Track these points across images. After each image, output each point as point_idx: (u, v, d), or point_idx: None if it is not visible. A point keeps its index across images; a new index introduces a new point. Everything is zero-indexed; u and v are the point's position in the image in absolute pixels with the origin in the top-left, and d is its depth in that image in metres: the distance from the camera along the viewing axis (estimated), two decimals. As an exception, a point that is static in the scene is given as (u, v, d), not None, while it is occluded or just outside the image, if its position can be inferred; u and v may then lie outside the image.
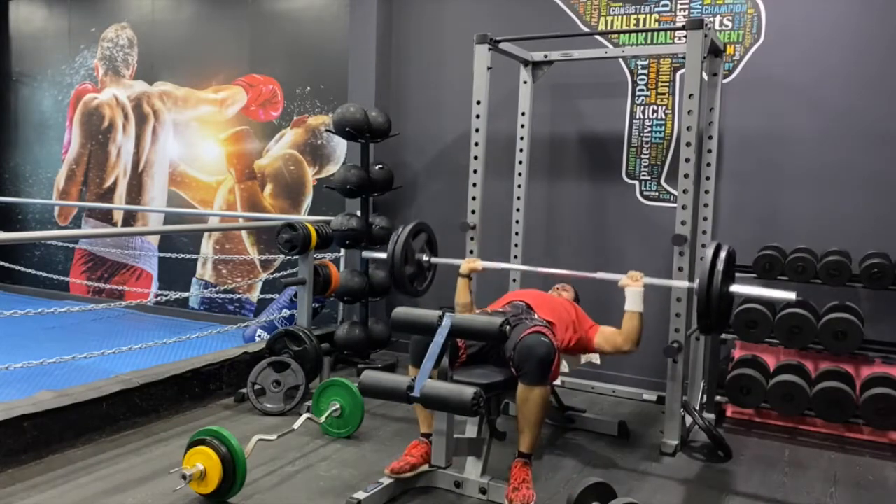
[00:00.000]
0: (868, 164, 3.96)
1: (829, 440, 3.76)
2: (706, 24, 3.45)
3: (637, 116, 4.54)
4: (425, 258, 3.74)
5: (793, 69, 4.12)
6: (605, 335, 3.31)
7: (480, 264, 3.61)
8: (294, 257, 4.40)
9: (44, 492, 2.84)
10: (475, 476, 2.92)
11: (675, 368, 3.52)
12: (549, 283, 3.90)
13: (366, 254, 4.13)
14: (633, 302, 3.19)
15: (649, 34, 4.45)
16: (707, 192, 4.06)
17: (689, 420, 3.67)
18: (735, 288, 3.00)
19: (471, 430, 2.99)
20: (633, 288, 3.20)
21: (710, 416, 3.80)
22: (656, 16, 4.46)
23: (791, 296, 2.97)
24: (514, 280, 4.40)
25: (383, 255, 3.67)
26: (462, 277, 3.59)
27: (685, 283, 3.34)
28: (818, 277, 3.71)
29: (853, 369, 3.78)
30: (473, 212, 4.04)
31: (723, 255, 2.96)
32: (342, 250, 5.20)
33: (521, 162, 4.48)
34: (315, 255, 4.39)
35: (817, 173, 4.07)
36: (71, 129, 7.26)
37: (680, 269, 3.47)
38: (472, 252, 4.02)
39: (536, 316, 3.21)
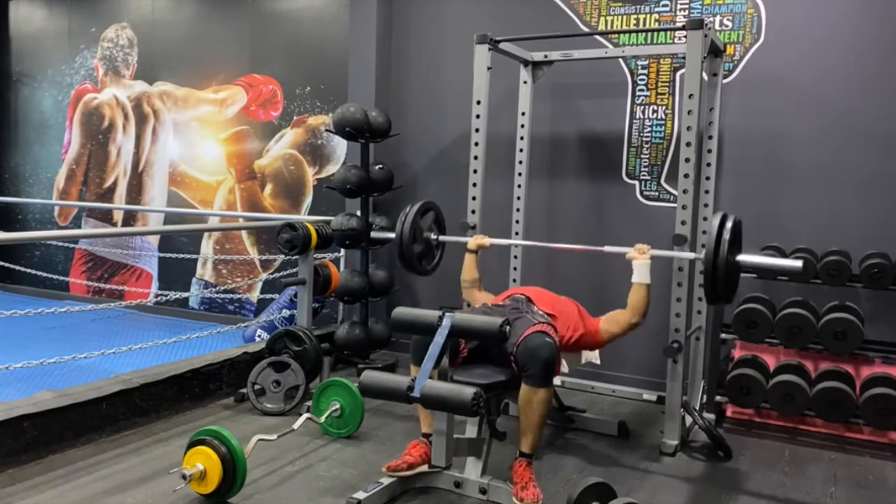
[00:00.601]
0: (868, 164, 3.96)
1: (829, 440, 3.76)
2: (706, 24, 3.45)
3: (637, 116, 4.54)
4: (433, 236, 3.77)
5: (793, 69, 4.12)
6: (610, 318, 3.31)
7: (488, 241, 3.70)
8: (294, 257, 4.40)
9: (44, 492, 2.84)
10: (475, 476, 2.92)
11: (675, 368, 3.52)
12: (550, 284, 3.89)
13: (374, 233, 4.13)
14: (641, 274, 3.22)
15: (649, 34, 4.45)
16: (707, 191, 4.06)
17: (689, 420, 3.67)
18: (742, 257, 2.98)
19: (471, 430, 2.98)
20: (641, 260, 3.24)
21: (710, 416, 3.80)
22: (656, 16, 4.46)
23: (798, 264, 2.99)
24: (515, 280, 4.41)
25: (392, 235, 3.68)
26: (469, 253, 3.68)
27: (691, 254, 3.38)
28: (818, 277, 3.71)
29: (853, 369, 3.78)
30: (473, 212, 4.04)
31: (729, 224, 2.94)
32: (342, 250, 5.21)
33: (521, 162, 4.48)
34: (315, 255, 4.39)
35: (817, 173, 4.07)
36: (71, 129, 7.26)
37: (680, 269, 3.48)
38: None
39: (536, 308, 3.21)
